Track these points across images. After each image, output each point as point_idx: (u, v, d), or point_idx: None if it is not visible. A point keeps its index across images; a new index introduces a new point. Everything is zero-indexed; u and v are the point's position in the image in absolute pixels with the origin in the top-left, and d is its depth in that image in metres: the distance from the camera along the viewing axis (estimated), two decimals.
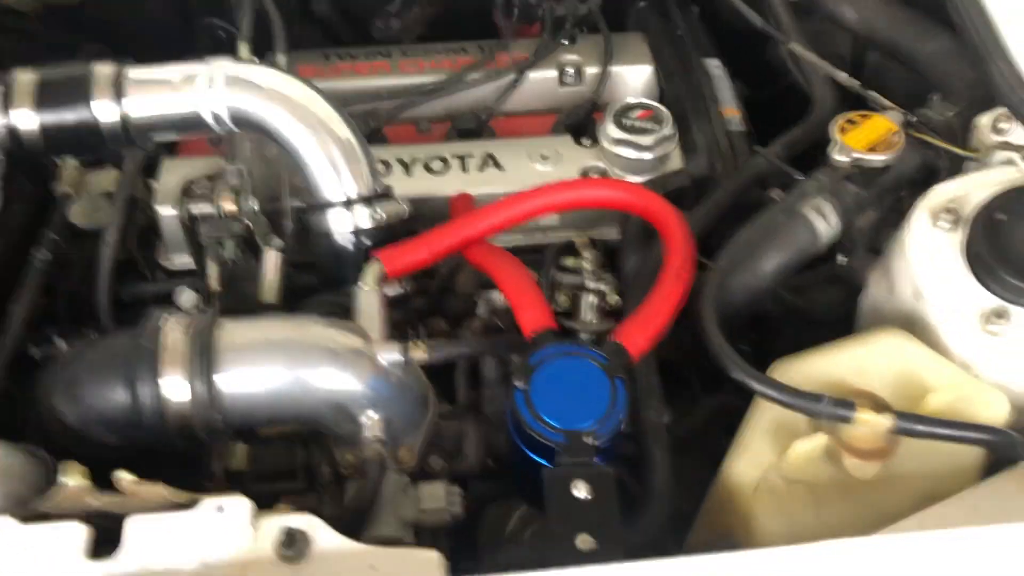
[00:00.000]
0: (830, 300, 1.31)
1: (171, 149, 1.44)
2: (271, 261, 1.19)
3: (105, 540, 0.86)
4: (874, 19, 1.39)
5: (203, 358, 0.98)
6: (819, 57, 1.41)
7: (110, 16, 1.60)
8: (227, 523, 0.87)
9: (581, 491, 0.90)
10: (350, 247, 1.17)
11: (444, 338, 1.18)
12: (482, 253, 1.14)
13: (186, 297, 1.08)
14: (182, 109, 1.17)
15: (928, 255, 1.10)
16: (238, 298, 1.19)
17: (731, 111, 1.42)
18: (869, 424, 0.95)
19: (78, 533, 0.86)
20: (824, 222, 1.17)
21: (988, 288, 1.06)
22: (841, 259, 1.26)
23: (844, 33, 1.52)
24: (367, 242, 1.17)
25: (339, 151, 1.17)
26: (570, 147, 1.38)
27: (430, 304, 1.25)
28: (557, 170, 1.35)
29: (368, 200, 1.17)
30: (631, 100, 1.35)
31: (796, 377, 1.02)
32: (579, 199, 1.18)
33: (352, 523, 0.98)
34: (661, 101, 1.42)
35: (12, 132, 1.16)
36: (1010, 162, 1.16)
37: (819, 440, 0.96)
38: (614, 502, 0.90)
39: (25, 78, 1.16)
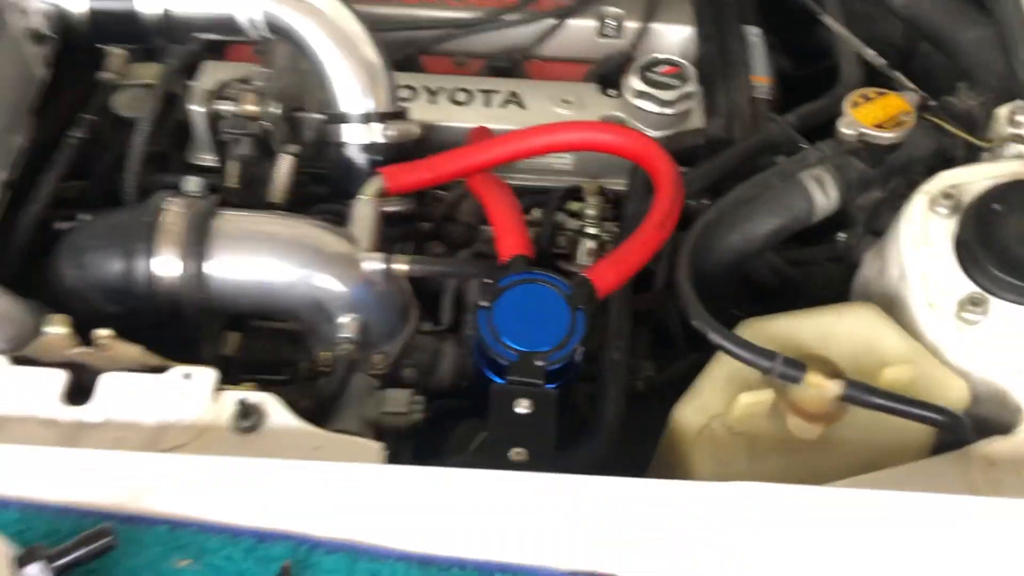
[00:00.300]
0: (829, 277, 1.32)
1: (219, 55, 1.50)
2: (283, 164, 1.24)
3: (82, 390, 0.94)
4: (919, 4, 1.38)
5: (196, 240, 1.04)
6: (864, 40, 1.41)
7: None
8: (191, 389, 0.94)
9: (522, 407, 0.94)
10: (359, 160, 1.22)
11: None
12: (480, 181, 1.18)
13: (191, 183, 1.14)
14: (219, 9, 1.22)
15: (918, 237, 1.11)
16: (250, 198, 1.25)
17: (760, 78, 1.42)
18: (818, 387, 0.97)
19: (57, 378, 0.93)
20: (822, 193, 1.18)
21: (970, 276, 1.06)
22: (840, 236, 1.27)
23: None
24: (376, 157, 1.22)
25: (361, 68, 1.22)
26: (595, 95, 1.41)
27: (433, 229, 1.29)
28: (577, 116, 1.37)
29: (382, 117, 1.21)
30: (658, 55, 1.37)
31: (762, 336, 1.04)
32: (580, 140, 1.20)
33: (317, 414, 1.04)
34: (696, 62, 1.43)
35: (63, 14, 1.23)
36: (1021, 155, 1.15)
37: (765, 395, 0.98)
38: (552, 421, 0.93)
39: None
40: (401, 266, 1.08)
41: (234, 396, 0.93)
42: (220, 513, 0.80)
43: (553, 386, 0.98)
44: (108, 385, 0.93)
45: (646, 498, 0.81)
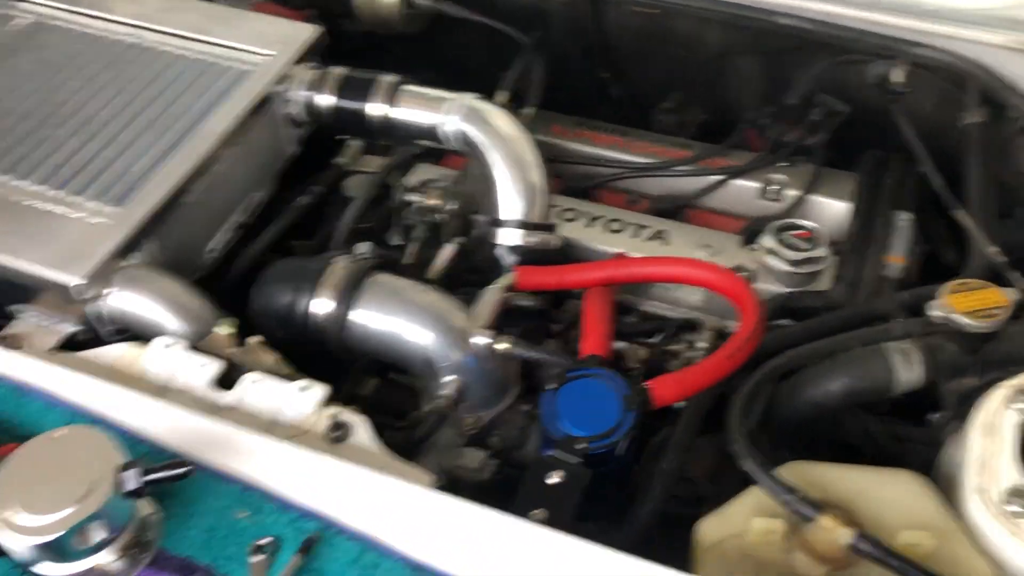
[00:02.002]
0: (927, 458, 1.35)
1: (437, 160, 1.80)
2: (446, 251, 1.49)
3: (229, 380, 1.20)
4: None
5: (348, 290, 1.30)
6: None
7: (447, 54, 2.02)
8: (303, 398, 1.17)
9: (554, 478, 1.08)
10: (505, 258, 1.44)
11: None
12: (592, 292, 1.35)
13: (362, 247, 1.40)
14: (427, 121, 1.51)
15: (988, 426, 1.14)
16: (417, 273, 1.50)
17: (895, 259, 1.50)
18: (828, 530, 1.04)
19: (213, 366, 1.20)
20: (907, 367, 1.24)
21: None
22: (932, 416, 1.31)
23: None
24: (517, 258, 1.43)
25: (524, 187, 1.45)
26: (734, 246, 1.55)
27: (560, 331, 1.48)
28: (712, 259, 1.51)
29: (530, 227, 1.43)
30: (797, 220, 1.49)
31: (803, 477, 1.12)
32: (680, 274, 1.35)
33: (402, 450, 1.24)
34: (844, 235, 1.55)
35: (315, 106, 1.57)
36: None
37: (777, 525, 1.06)
38: (577, 495, 1.07)
39: (337, 71, 1.58)
40: (502, 345, 1.27)
41: (334, 411, 1.15)
42: (281, 487, 1.01)
43: (593, 469, 1.12)
44: (247, 381, 1.18)
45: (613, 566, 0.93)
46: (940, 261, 1.63)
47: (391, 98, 1.53)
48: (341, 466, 1.05)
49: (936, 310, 1.23)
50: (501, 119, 1.49)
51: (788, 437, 1.32)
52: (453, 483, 1.25)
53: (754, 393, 1.20)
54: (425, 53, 2.06)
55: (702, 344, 1.45)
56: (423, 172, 1.68)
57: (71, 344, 1.32)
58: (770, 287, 1.48)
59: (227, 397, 1.18)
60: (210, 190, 1.45)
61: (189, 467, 0.94)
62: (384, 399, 1.42)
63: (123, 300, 1.29)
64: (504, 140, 1.46)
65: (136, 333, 1.30)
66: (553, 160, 1.76)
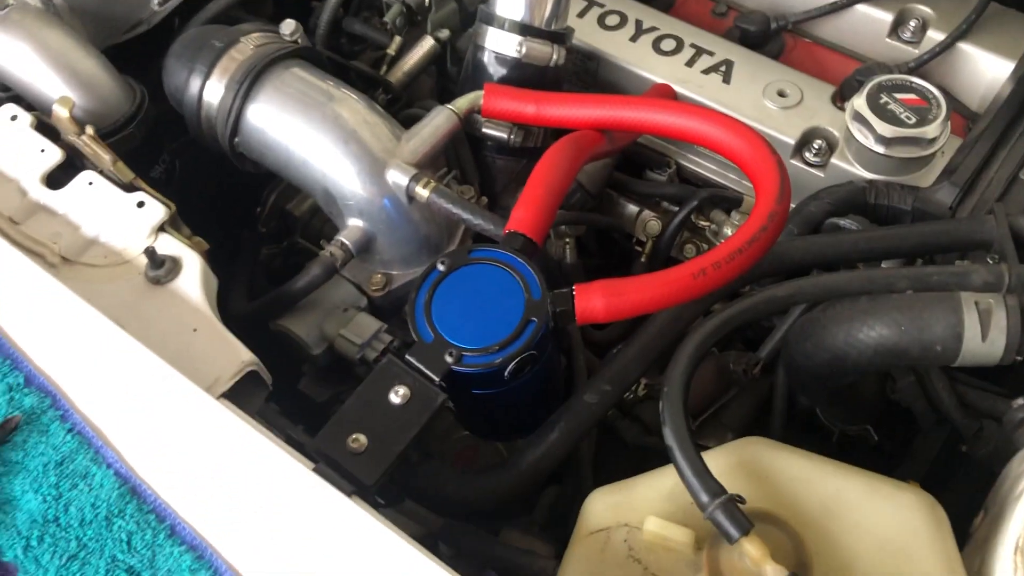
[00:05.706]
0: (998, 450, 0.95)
1: None
2: (421, 47, 1.14)
3: (63, 175, 0.94)
4: None
5: (245, 78, 0.98)
6: None
7: None
8: (137, 219, 0.90)
9: (397, 397, 0.78)
10: (489, 68, 1.06)
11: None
12: (562, 142, 0.95)
13: (288, 26, 1.05)
14: None
15: None
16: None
17: None
18: (752, 560, 0.69)
19: (52, 157, 0.94)
20: (980, 331, 0.82)
21: None
22: (1020, 401, 0.89)
23: None
24: (503, 71, 1.05)
25: None
26: (821, 100, 1.11)
27: None
28: (781, 114, 1.09)
29: (531, 32, 1.04)
30: (913, 80, 1.03)
31: (759, 464, 0.77)
32: (684, 129, 0.93)
33: (271, 304, 0.97)
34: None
35: None
36: None
37: (679, 534, 0.72)
38: (417, 428, 0.77)
39: None
40: (422, 191, 0.94)
41: (166, 241, 0.88)
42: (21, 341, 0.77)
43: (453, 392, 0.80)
44: (80, 183, 0.93)
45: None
46: None
47: None
48: (114, 330, 0.78)
49: None
50: None
51: (806, 385, 0.96)
52: (333, 355, 0.98)
53: (718, 332, 0.82)
54: None
55: (729, 230, 1.06)
56: None
57: None
58: (848, 167, 1.05)
59: (53, 200, 0.92)
60: None
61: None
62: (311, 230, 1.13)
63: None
64: None
65: (17, 92, 1.05)
66: None
